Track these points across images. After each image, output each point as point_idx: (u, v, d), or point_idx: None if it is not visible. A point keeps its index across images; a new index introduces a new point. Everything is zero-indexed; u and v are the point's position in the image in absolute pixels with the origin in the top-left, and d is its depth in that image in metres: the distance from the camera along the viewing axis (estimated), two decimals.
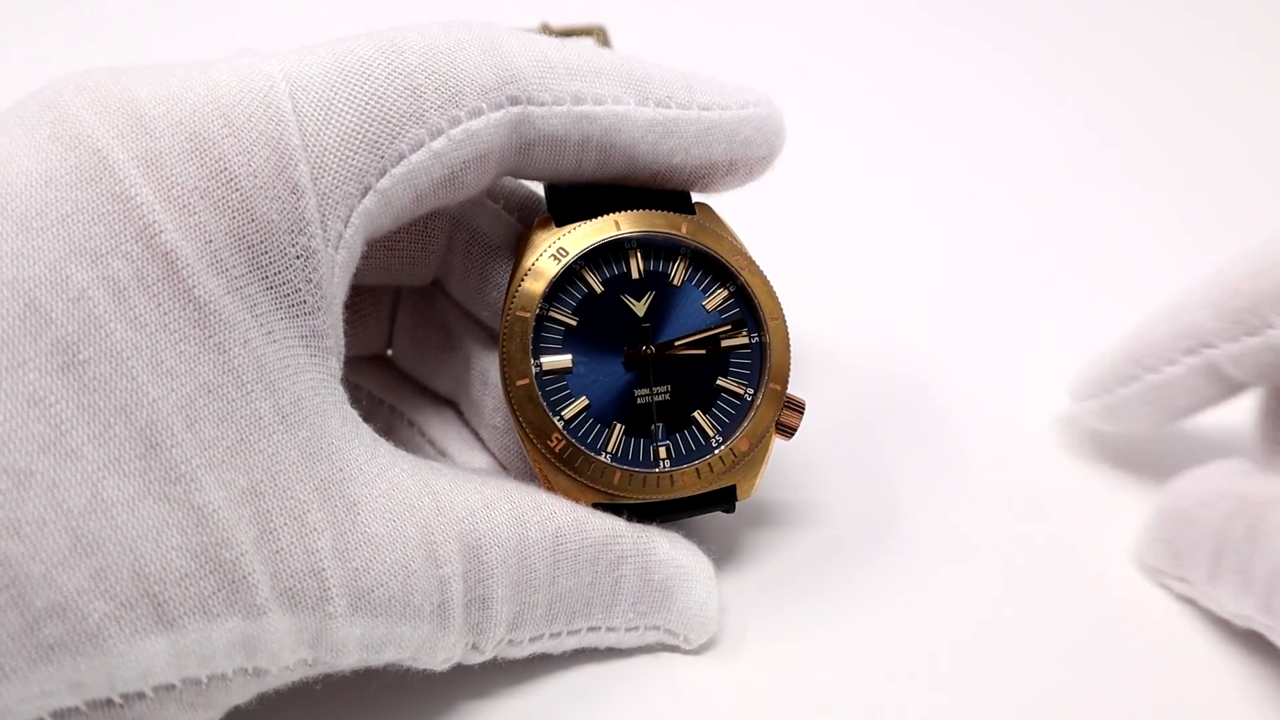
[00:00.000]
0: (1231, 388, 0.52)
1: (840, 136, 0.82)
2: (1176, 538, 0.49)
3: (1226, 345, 0.50)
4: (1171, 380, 0.52)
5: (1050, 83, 0.89)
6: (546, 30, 0.60)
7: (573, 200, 0.48)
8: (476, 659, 0.44)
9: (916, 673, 0.47)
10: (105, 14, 0.90)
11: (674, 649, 0.48)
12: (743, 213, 0.53)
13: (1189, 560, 0.49)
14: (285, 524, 0.38)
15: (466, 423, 0.53)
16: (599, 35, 0.59)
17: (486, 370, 0.50)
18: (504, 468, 0.51)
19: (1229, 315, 0.50)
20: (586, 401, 0.47)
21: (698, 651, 0.49)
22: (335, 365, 0.42)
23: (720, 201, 0.50)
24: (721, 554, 0.50)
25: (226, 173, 0.38)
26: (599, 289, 0.48)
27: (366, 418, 0.43)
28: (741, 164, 0.48)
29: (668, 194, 0.49)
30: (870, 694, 0.47)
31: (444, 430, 0.53)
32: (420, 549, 0.41)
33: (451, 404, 0.54)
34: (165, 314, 0.37)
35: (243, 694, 0.39)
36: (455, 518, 0.42)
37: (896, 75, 0.90)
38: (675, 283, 0.48)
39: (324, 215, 0.40)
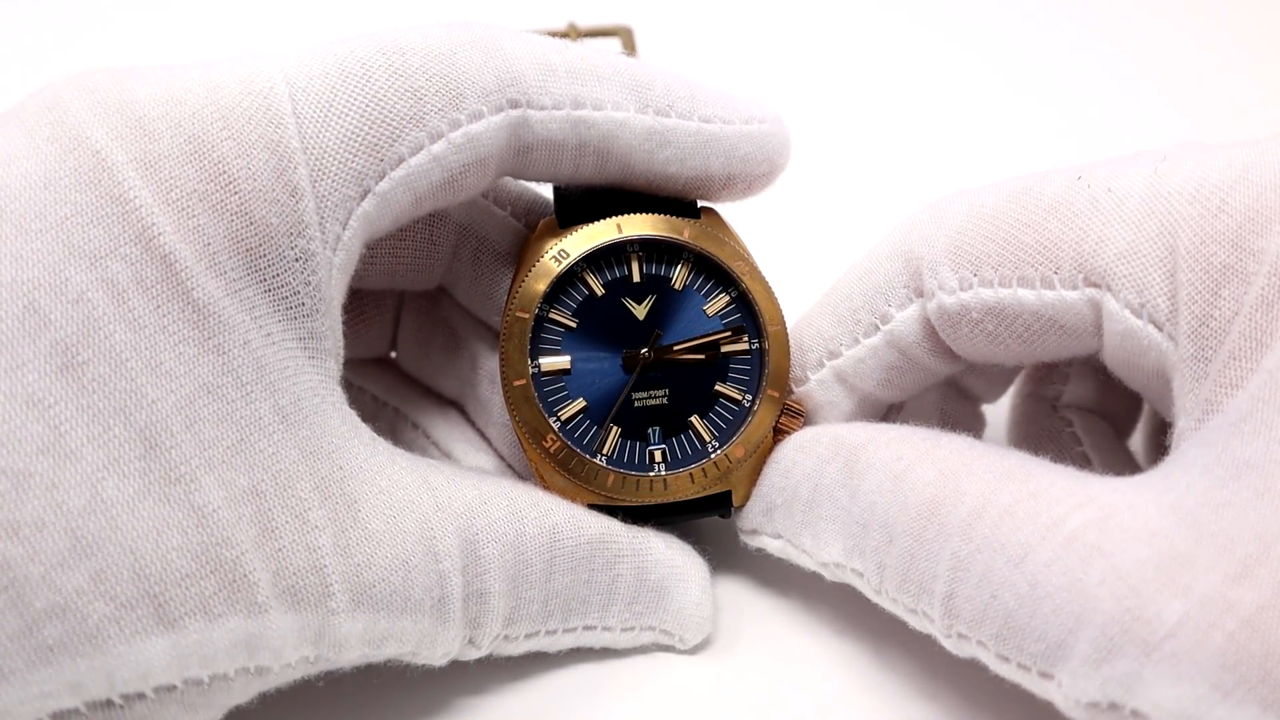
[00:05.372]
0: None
1: (847, 142, 0.83)
2: (772, 490, 0.48)
3: (849, 351, 0.49)
4: (815, 390, 0.50)
5: (1056, 90, 0.89)
6: (573, 30, 0.60)
7: (578, 203, 0.48)
8: (473, 654, 0.44)
9: (912, 673, 0.47)
10: (105, 14, 0.90)
11: (669, 649, 0.48)
12: (747, 218, 0.53)
13: (783, 511, 0.47)
14: (286, 522, 0.38)
15: (471, 424, 0.53)
16: (624, 37, 0.59)
17: (494, 369, 0.50)
18: (510, 467, 0.51)
19: (848, 317, 0.49)
20: (584, 403, 0.47)
21: (693, 652, 0.49)
22: (334, 367, 0.42)
23: (726, 205, 0.50)
24: (716, 554, 0.50)
25: (225, 175, 0.38)
26: (600, 291, 0.48)
27: (370, 420, 0.43)
28: (740, 179, 0.48)
29: (673, 198, 0.49)
30: (866, 695, 0.47)
31: (448, 432, 0.53)
32: (420, 544, 0.41)
33: (456, 405, 0.54)
34: (164, 316, 0.37)
35: (244, 693, 0.39)
36: (453, 513, 0.42)
37: (903, 82, 0.90)
38: (676, 287, 0.48)
39: (322, 218, 0.40)
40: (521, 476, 0.50)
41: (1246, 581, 0.34)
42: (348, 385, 0.43)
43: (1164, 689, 0.34)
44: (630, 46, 0.60)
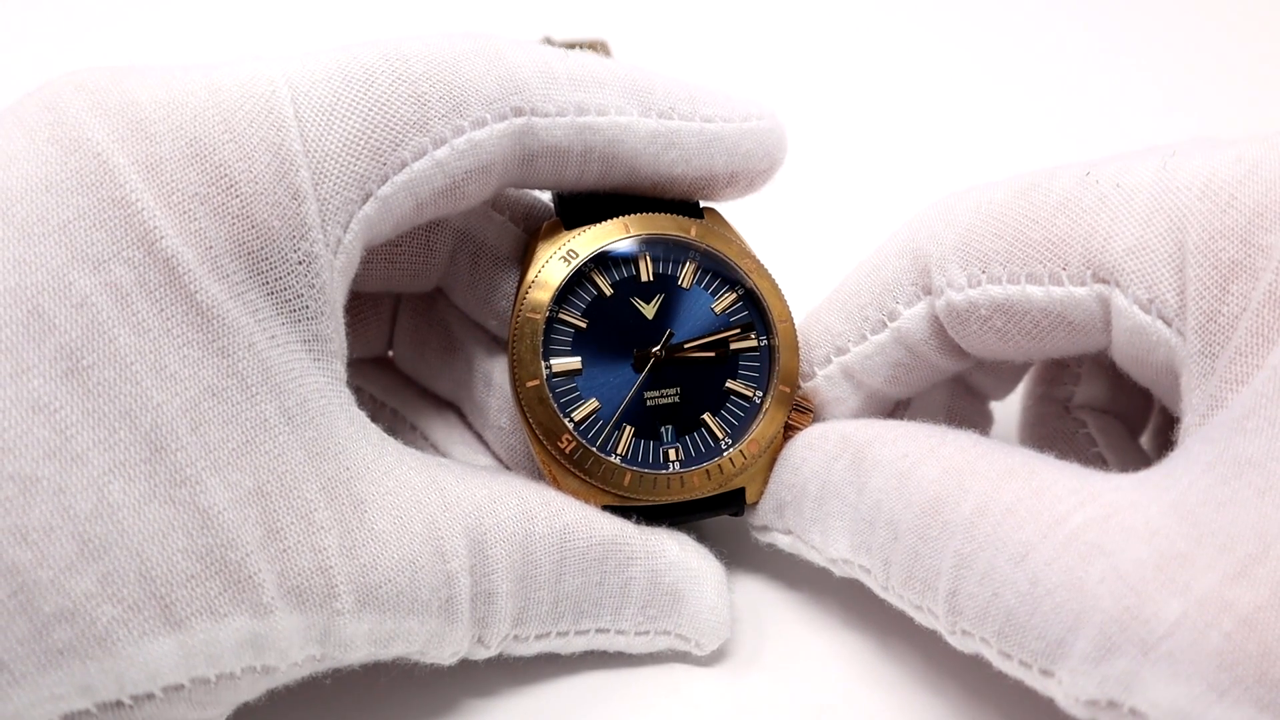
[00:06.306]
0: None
1: (846, 138, 0.83)
2: (782, 486, 0.48)
3: (857, 347, 0.49)
4: (822, 386, 0.50)
5: (1064, 86, 0.89)
6: (548, 45, 0.60)
7: (581, 204, 0.48)
8: (483, 654, 0.44)
9: (918, 668, 0.47)
10: (105, 14, 0.90)
11: (685, 656, 0.48)
12: (753, 216, 0.53)
13: (793, 508, 0.48)
14: (292, 523, 0.38)
15: (469, 425, 0.53)
16: (600, 49, 0.59)
17: (490, 372, 0.50)
18: (508, 469, 0.51)
19: (856, 314, 0.49)
20: (596, 404, 0.47)
21: (710, 658, 0.48)
22: (339, 368, 0.42)
23: (726, 204, 0.51)
24: (733, 557, 0.50)
25: (227, 179, 0.39)
26: (609, 291, 0.48)
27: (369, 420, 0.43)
28: (742, 176, 0.49)
29: (676, 199, 0.49)
30: (874, 691, 0.47)
31: (447, 433, 0.53)
32: (427, 544, 0.41)
33: (453, 407, 0.54)
34: (168, 319, 0.37)
35: (251, 691, 0.39)
36: (462, 512, 0.42)
37: (910, 80, 0.90)
38: (684, 285, 0.48)
39: (324, 220, 0.40)
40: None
41: (1245, 581, 0.34)
42: (348, 385, 0.43)
43: (1161, 688, 0.34)
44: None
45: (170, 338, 0.37)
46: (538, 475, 0.47)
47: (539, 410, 0.46)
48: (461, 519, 0.42)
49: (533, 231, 0.49)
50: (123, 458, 0.36)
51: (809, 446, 0.48)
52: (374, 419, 0.43)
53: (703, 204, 0.50)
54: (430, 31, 0.44)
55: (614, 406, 0.47)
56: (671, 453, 0.48)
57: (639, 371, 0.48)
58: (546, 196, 0.51)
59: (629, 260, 0.48)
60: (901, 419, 0.51)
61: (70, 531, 0.34)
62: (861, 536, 0.45)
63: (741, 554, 0.51)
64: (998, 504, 0.40)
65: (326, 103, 0.40)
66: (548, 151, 0.45)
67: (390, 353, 0.55)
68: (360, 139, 0.41)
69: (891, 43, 0.95)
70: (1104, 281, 0.42)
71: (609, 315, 0.48)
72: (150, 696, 0.36)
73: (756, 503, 0.49)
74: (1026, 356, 0.47)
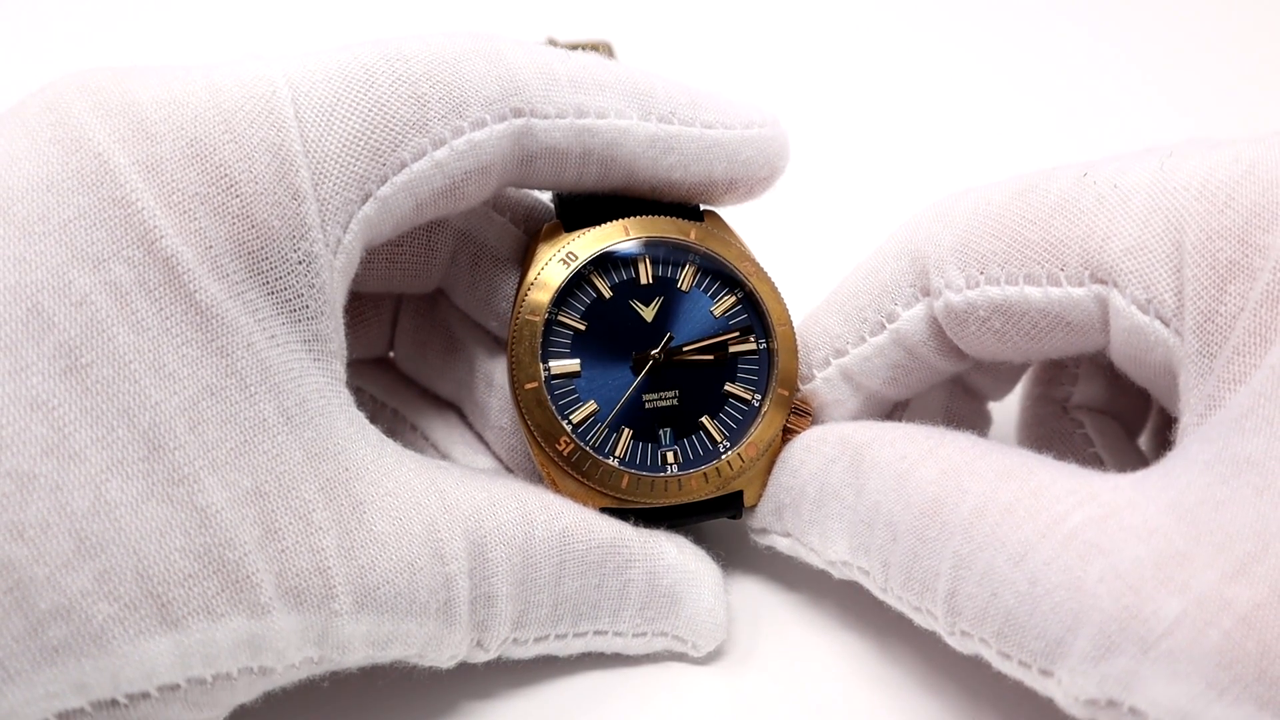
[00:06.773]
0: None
1: (844, 140, 0.83)
2: (780, 489, 0.48)
3: (855, 349, 0.49)
4: (821, 388, 0.50)
5: (1061, 87, 0.89)
6: (552, 45, 0.60)
7: (582, 206, 0.48)
8: (482, 657, 0.44)
9: (918, 670, 0.47)
10: (105, 14, 0.90)
11: (682, 656, 0.48)
12: (752, 218, 0.53)
13: (792, 510, 0.48)
14: (290, 523, 0.38)
15: (470, 426, 0.53)
16: (604, 51, 0.59)
17: (491, 372, 0.50)
18: (509, 470, 0.51)
19: (854, 316, 0.49)
20: (595, 406, 0.47)
21: (706, 659, 0.48)
22: (339, 368, 0.42)
23: (728, 207, 0.50)
24: (731, 559, 0.50)
25: (227, 179, 0.39)
26: (608, 294, 0.48)
27: (369, 421, 0.43)
28: (742, 183, 0.49)
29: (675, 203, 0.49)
30: (874, 693, 0.46)
31: (447, 434, 0.53)
32: (426, 546, 0.41)
33: (454, 407, 0.54)
34: (167, 318, 0.37)
35: (248, 692, 0.39)
36: (461, 515, 0.42)
37: (908, 82, 0.90)
38: (684, 288, 0.48)
39: (324, 220, 0.40)
40: (522, 479, 0.49)
41: (1243, 579, 0.34)
42: (348, 386, 0.43)
43: (1161, 687, 0.34)
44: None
45: (169, 337, 0.37)
46: (538, 477, 0.47)
47: (537, 412, 0.46)
48: (461, 521, 0.42)
49: (533, 233, 0.49)
50: (120, 456, 0.36)
51: (807, 449, 0.48)
52: (374, 419, 0.43)
53: (703, 207, 0.50)
54: (431, 31, 0.44)
55: (612, 409, 0.47)
56: (669, 455, 0.48)
57: (637, 374, 0.48)
58: (547, 197, 0.51)
59: (628, 263, 0.48)
60: (900, 420, 0.51)
61: (67, 528, 0.34)
62: (860, 538, 0.45)
63: (740, 556, 0.51)
64: (996, 504, 0.40)
65: (327, 103, 0.40)
66: (546, 153, 0.45)
67: (391, 353, 0.55)
68: (360, 139, 0.41)
69: (890, 44, 0.95)
70: (1102, 282, 0.42)
71: (608, 318, 0.48)
72: (146, 696, 0.36)
73: (755, 505, 0.49)
74: (1025, 357, 0.47)
